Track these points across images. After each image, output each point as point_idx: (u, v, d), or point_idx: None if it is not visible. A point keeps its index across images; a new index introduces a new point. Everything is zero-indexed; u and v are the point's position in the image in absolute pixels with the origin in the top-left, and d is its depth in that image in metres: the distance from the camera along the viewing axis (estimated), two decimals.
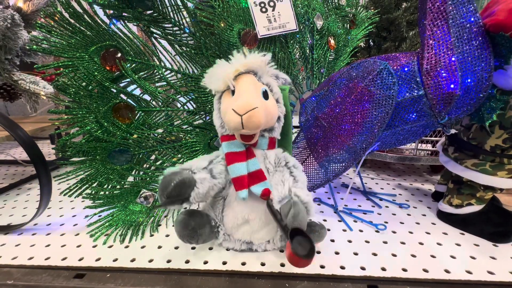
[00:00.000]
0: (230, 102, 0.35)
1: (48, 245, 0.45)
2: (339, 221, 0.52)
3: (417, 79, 0.41)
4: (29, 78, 0.64)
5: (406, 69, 0.42)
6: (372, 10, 0.72)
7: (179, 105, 0.49)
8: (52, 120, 0.43)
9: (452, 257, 0.42)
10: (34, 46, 0.39)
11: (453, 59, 0.38)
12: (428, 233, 0.48)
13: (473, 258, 0.41)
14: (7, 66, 0.62)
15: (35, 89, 0.64)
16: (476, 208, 0.48)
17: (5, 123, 0.45)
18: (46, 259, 0.41)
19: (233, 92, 0.36)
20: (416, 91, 0.41)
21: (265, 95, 0.36)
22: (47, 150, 1.01)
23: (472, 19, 0.38)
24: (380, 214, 0.54)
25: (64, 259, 0.41)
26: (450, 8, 0.38)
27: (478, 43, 0.37)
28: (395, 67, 0.43)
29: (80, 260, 0.41)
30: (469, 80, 0.38)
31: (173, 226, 0.50)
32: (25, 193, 0.65)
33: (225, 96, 0.37)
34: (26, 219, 0.48)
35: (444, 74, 0.38)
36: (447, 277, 0.37)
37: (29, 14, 0.65)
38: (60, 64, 0.40)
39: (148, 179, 0.50)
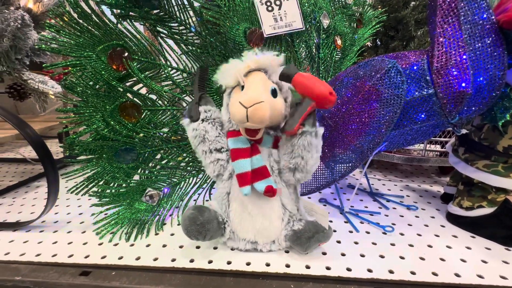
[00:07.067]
0: (238, 96, 0.35)
1: (55, 242, 0.45)
2: (345, 222, 0.51)
3: (427, 77, 0.40)
4: (38, 78, 0.65)
5: (415, 67, 0.41)
6: (380, 9, 0.71)
7: (184, 104, 0.49)
8: (60, 119, 0.44)
9: (463, 260, 0.41)
10: (43, 46, 0.40)
11: (464, 57, 0.37)
12: (437, 235, 0.47)
13: (485, 262, 0.40)
14: (17, 66, 0.63)
15: (44, 89, 0.65)
16: (487, 210, 0.46)
17: (15, 121, 0.45)
18: (53, 256, 0.42)
19: (242, 88, 0.36)
20: (425, 90, 0.41)
21: (274, 93, 0.36)
22: (56, 148, 1.02)
23: (485, 15, 0.36)
24: (387, 216, 0.53)
25: (70, 256, 0.42)
26: (462, 4, 0.37)
27: (491, 41, 0.36)
28: (404, 66, 0.42)
29: (86, 257, 0.41)
30: (481, 79, 0.37)
31: (178, 225, 0.50)
32: (34, 191, 0.66)
33: (235, 92, 0.38)
34: (34, 216, 0.49)
35: (455, 73, 0.38)
36: (457, 281, 0.36)
37: (39, 15, 0.66)
38: (68, 63, 0.41)
39: (153, 177, 0.50)
